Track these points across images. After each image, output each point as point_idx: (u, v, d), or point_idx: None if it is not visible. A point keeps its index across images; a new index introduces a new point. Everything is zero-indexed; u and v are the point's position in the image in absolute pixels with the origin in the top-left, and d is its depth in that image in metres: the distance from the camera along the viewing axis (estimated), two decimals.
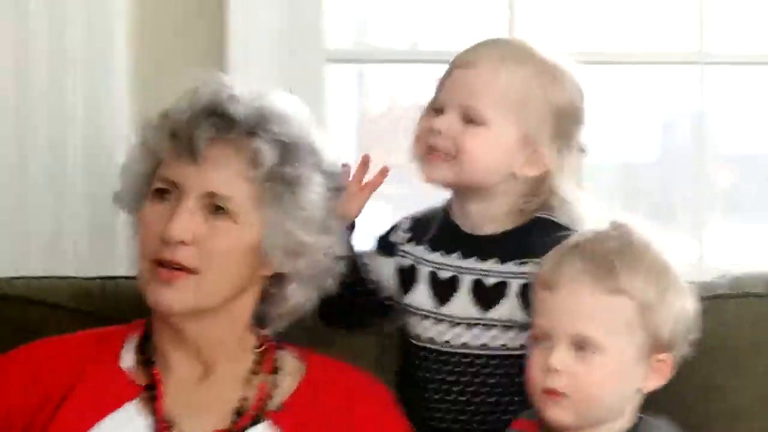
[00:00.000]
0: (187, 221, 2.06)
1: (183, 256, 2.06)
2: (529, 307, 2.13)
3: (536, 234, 2.16)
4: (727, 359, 2.34)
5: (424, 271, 2.23)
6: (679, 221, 2.96)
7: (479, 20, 2.88)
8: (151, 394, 2.12)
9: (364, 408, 2.13)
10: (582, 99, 2.20)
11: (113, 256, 2.62)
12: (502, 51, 2.18)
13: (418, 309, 2.23)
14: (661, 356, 2.02)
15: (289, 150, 2.12)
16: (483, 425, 2.21)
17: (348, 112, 2.94)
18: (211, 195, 2.09)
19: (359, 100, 3.03)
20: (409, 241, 2.27)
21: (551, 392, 1.99)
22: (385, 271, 2.27)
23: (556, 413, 2.00)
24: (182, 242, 2.06)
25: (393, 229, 2.30)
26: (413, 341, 2.22)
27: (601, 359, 1.99)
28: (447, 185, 2.18)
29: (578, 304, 2.01)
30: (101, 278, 2.49)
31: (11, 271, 2.55)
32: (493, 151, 2.13)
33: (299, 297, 2.19)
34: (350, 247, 2.27)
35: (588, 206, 2.20)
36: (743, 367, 2.35)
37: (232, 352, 2.17)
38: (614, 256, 2.02)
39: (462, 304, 2.18)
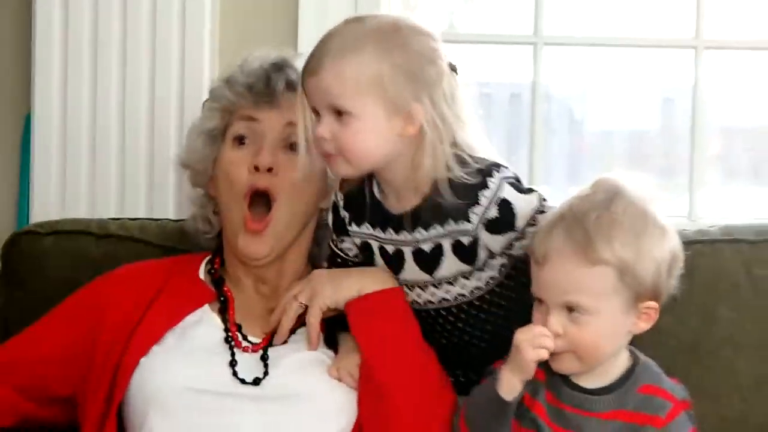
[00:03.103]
0: (272, 152, 2.28)
1: (271, 183, 2.27)
2: (466, 259, 2.17)
3: (441, 197, 2.13)
4: (722, 294, 2.46)
5: (374, 245, 2.26)
6: (676, 182, 3.04)
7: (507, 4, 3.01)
8: (223, 305, 2.34)
9: None
10: (425, 41, 2.13)
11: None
12: (338, 44, 2.11)
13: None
14: (648, 303, 2.10)
15: None
16: (466, 367, 2.29)
17: None
18: (289, 126, 2.29)
19: None
20: (350, 222, 2.27)
21: (552, 352, 2.08)
22: (353, 249, 2.31)
23: (560, 365, 2.12)
24: (270, 170, 2.27)
25: (336, 211, 2.29)
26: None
27: (592, 319, 2.07)
28: (353, 176, 2.19)
29: (564, 277, 2.07)
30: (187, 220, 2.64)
31: (114, 214, 2.84)
32: (369, 134, 2.10)
33: None
34: None
35: (479, 135, 2.16)
36: (738, 301, 2.47)
37: (292, 278, 2.37)
38: (593, 226, 2.05)
39: (411, 271, 2.22)
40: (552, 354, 2.08)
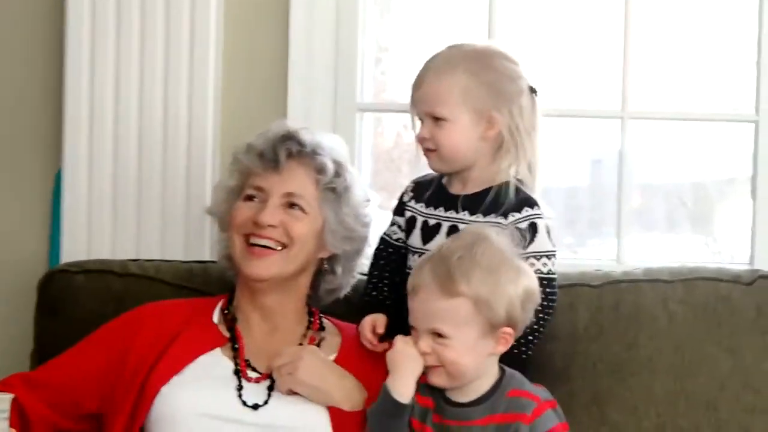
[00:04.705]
0: (274, 211, 2.44)
1: (273, 235, 2.44)
2: None
3: (495, 195, 2.42)
4: (642, 325, 2.63)
5: (419, 221, 2.49)
6: (605, 231, 3.24)
7: None
8: (234, 343, 2.48)
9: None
10: (509, 65, 2.41)
11: (204, 247, 3.03)
12: (438, 64, 2.40)
13: (412, 247, 2.51)
14: (503, 330, 2.22)
15: (341, 166, 2.53)
16: None
17: (368, 144, 3.22)
18: (289, 195, 2.45)
19: (376, 137, 3.31)
20: (411, 199, 2.53)
21: (427, 366, 2.24)
22: (400, 225, 2.56)
23: (433, 379, 2.26)
24: (271, 226, 2.43)
25: (404, 192, 2.56)
26: (409, 271, 2.46)
27: (453, 342, 2.20)
28: (444, 171, 2.47)
29: (429, 307, 2.20)
30: (195, 262, 2.88)
31: (132, 255, 2.99)
32: (459, 135, 2.39)
33: (343, 277, 2.58)
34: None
35: (540, 150, 2.44)
36: (656, 331, 2.64)
37: (292, 316, 2.53)
38: (455, 264, 2.17)
39: (438, 242, 2.43)
40: (428, 368, 2.23)
